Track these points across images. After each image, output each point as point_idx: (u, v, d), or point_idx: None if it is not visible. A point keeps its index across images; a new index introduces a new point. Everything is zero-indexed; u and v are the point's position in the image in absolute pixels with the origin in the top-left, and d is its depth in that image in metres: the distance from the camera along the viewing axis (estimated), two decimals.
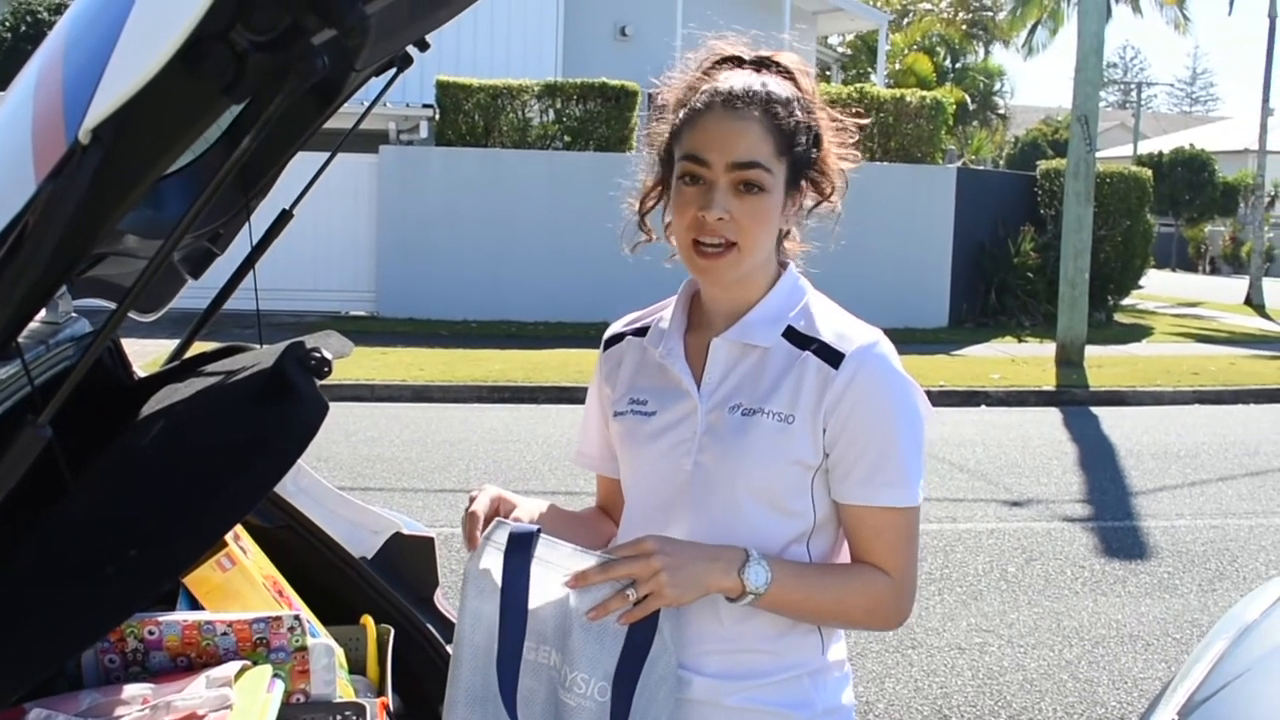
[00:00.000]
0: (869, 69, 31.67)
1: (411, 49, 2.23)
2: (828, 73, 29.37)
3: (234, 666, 1.87)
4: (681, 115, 1.74)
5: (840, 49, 31.03)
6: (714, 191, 1.68)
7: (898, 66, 32.92)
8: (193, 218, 1.28)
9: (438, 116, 17.25)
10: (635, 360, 1.91)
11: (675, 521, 1.76)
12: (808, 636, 1.79)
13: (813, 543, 1.78)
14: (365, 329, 15.29)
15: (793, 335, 1.77)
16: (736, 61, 1.78)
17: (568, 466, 8.49)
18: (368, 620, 2.42)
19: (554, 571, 1.66)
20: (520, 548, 1.67)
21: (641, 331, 1.93)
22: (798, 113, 1.72)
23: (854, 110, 1.85)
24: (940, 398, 12.37)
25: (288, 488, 2.51)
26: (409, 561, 2.59)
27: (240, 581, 2.11)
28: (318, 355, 1.68)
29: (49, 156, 1.15)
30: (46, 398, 1.39)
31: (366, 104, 2.39)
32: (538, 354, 13.69)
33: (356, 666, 2.42)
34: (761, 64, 1.77)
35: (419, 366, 12.67)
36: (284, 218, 2.33)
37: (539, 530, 1.68)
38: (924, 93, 18.84)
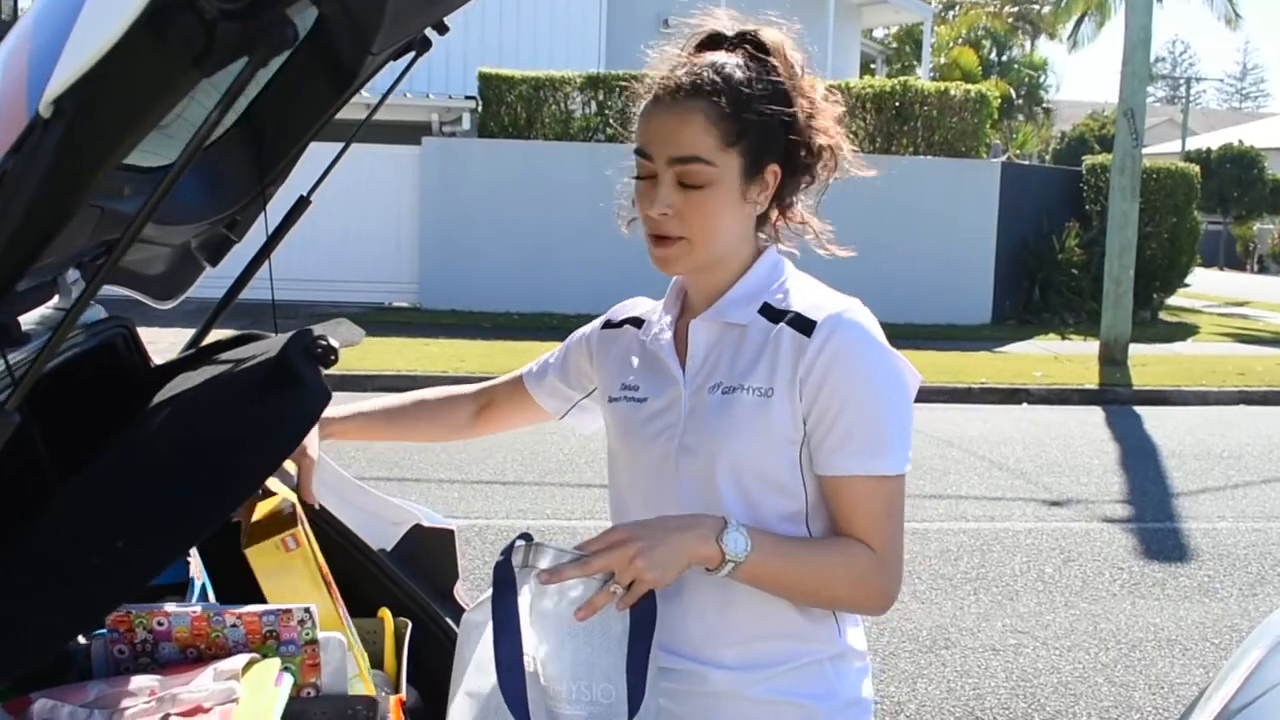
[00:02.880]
0: (914, 62, 31.45)
1: (430, 33, 2.18)
2: (872, 66, 29.17)
3: (242, 659, 1.84)
4: (640, 104, 1.70)
5: (885, 42, 30.81)
6: (658, 187, 1.66)
7: (942, 60, 32.64)
8: (163, 192, 1.23)
9: (480, 108, 17.30)
10: (627, 348, 1.92)
11: (667, 508, 1.73)
12: (822, 619, 1.75)
13: (812, 522, 1.73)
14: (408, 320, 15.38)
15: (768, 311, 1.73)
16: (717, 40, 1.72)
17: (604, 459, 8.45)
18: (385, 613, 2.38)
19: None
20: (503, 560, 1.63)
21: (638, 322, 1.94)
22: (758, 96, 1.65)
23: (849, 97, 1.80)
24: (981, 395, 12.28)
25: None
26: (429, 554, 2.55)
27: (299, 565, 2.02)
28: (323, 344, 1.65)
29: (11, 131, 1.12)
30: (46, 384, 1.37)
31: (408, 93, 2.34)
32: None
33: (374, 660, 2.39)
34: (742, 41, 1.71)
35: (460, 358, 12.68)
36: (301, 204, 2.30)
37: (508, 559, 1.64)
38: (968, 86, 18.65)
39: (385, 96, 2.33)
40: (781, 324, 1.70)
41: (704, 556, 1.61)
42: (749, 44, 1.70)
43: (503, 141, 16.86)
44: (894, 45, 33.50)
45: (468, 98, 17.85)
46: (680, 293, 1.87)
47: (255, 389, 1.62)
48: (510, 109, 16.97)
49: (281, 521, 1.99)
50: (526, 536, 1.64)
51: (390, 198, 16.82)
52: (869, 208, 17.09)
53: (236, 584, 2.15)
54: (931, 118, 17.58)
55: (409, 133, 17.15)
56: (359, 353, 13.38)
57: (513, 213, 16.57)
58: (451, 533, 2.63)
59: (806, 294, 1.74)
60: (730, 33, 1.71)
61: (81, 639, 2.01)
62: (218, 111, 1.19)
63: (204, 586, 2.09)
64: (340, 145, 2.30)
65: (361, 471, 7.87)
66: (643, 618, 1.63)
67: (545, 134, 16.91)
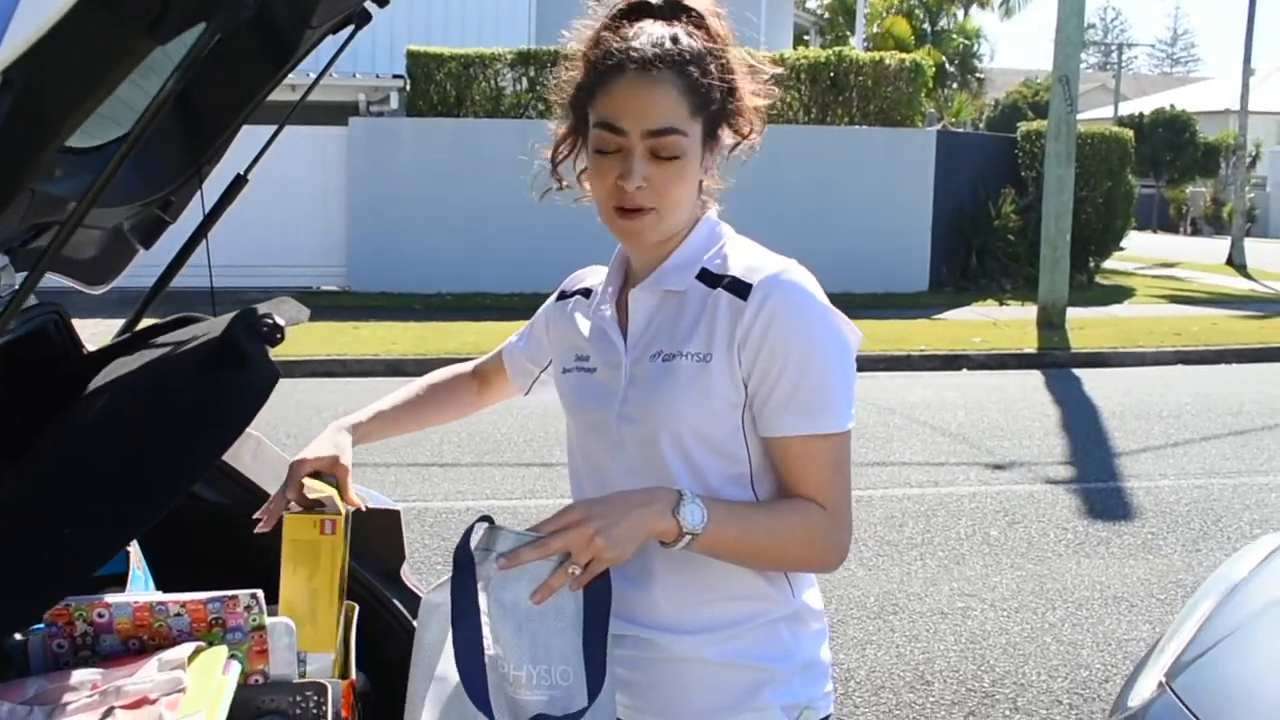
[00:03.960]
0: (847, 32, 31.50)
1: (371, 5, 2.14)
2: (806, 37, 29.20)
3: (188, 648, 1.80)
4: (592, 75, 1.67)
5: (819, 12, 30.85)
6: (631, 160, 1.64)
7: (876, 29, 32.72)
8: (110, 173, 1.19)
9: (408, 87, 17.08)
10: (578, 319, 1.90)
11: (615, 477, 1.73)
12: (775, 578, 1.75)
13: (758, 485, 1.72)
14: (337, 304, 15.13)
15: (706, 276, 1.72)
16: (644, 8, 1.68)
17: (544, 437, 8.42)
18: (348, 603, 2.34)
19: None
20: (463, 543, 1.60)
21: (589, 292, 1.93)
22: (711, 66, 1.65)
23: (784, 68, 1.80)
24: (921, 361, 12.37)
25: (246, 462, 2.43)
26: (374, 536, 2.50)
27: (326, 554, 1.94)
28: (269, 322, 1.61)
29: None
30: None
31: (334, 73, 2.29)
32: (512, 325, 13.24)
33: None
34: (674, 10, 1.68)
35: (392, 340, 12.57)
36: (238, 183, 2.24)
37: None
38: (903, 55, 18.73)
39: (326, 69, 2.28)
40: (719, 289, 1.70)
41: (661, 531, 1.59)
42: (683, 13, 1.68)
43: (432, 120, 16.68)
44: (827, 16, 33.53)
45: (395, 76, 17.60)
46: (623, 262, 1.85)
47: (199, 370, 1.58)
48: (439, 87, 16.78)
49: (325, 510, 1.92)
50: (487, 519, 1.61)
51: (317, 180, 16.54)
52: (805, 178, 17.17)
53: (181, 575, 2.10)
54: (866, 88, 17.63)
55: (336, 113, 16.86)
56: (288, 338, 13.16)
57: (443, 192, 16.39)
58: (397, 514, 2.59)
59: (743, 257, 1.73)
60: (657, 1, 1.68)
61: (17, 634, 1.96)
62: (173, 81, 1.14)
63: (144, 578, 2.04)
64: (271, 126, 2.24)
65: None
66: (598, 597, 1.61)
67: (476, 111, 16.74)
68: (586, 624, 1.60)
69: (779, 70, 1.77)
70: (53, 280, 2.24)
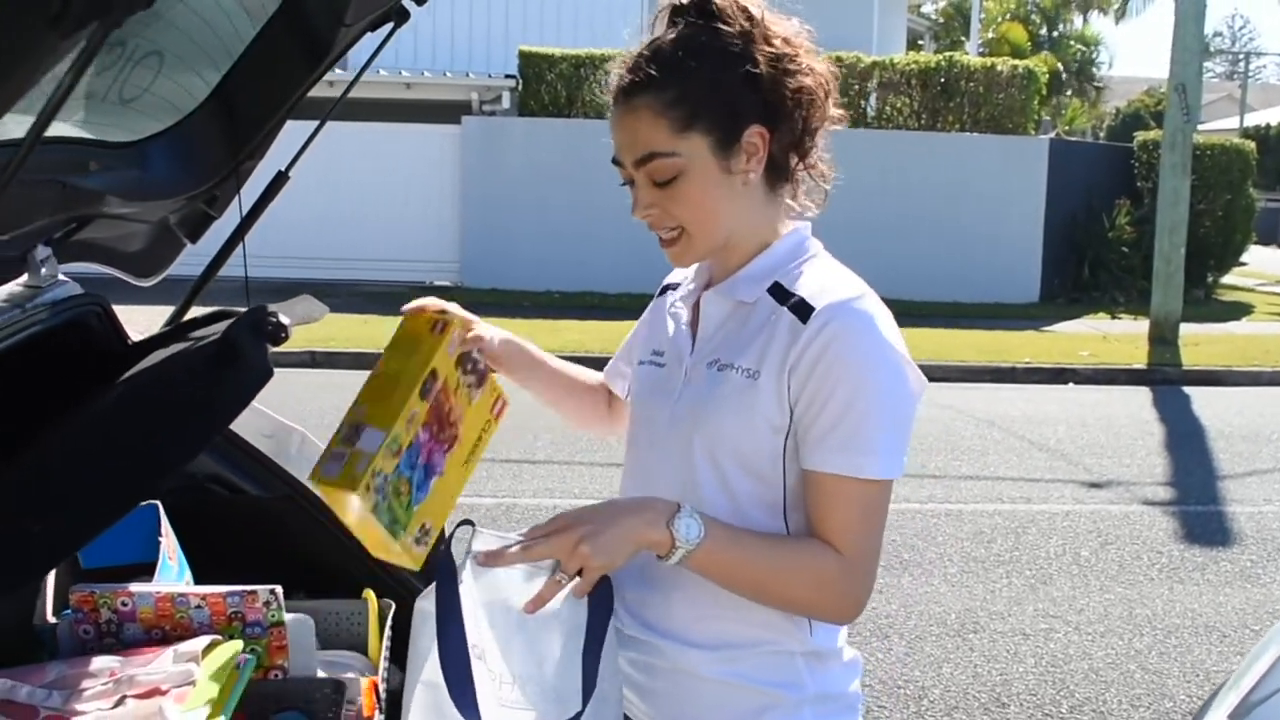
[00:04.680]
0: (962, 38, 31.04)
1: (409, 3, 2.13)
2: (920, 42, 28.84)
3: (203, 641, 1.81)
4: None
5: (934, 17, 30.42)
6: (637, 190, 1.63)
7: (991, 35, 32.16)
8: (25, 153, 1.18)
9: (520, 87, 17.24)
10: (665, 313, 1.85)
11: (654, 480, 1.69)
12: (793, 615, 1.66)
13: (791, 515, 1.64)
14: (448, 299, 15.25)
15: (777, 291, 1.65)
16: (678, 10, 1.62)
17: None
18: (369, 594, 2.35)
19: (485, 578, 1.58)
20: (446, 568, 1.58)
21: (678, 287, 1.88)
22: (703, 67, 1.57)
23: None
24: (1025, 374, 12.12)
25: (289, 455, 2.45)
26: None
27: (425, 348, 1.74)
28: (273, 320, 1.61)
29: None
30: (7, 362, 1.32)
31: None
32: (617, 325, 13.54)
33: (357, 640, 2.36)
34: (685, 13, 1.60)
35: None
36: (279, 180, 2.25)
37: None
38: (1015, 62, 18.37)
39: (363, 70, 2.28)
40: (784, 307, 1.62)
41: (653, 541, 1.54)
42: (693, 12, 1.61)
43: (543, 120, 16.81)
44: (941, 21, 33.06)
45: (507, 76, 17.82)
46: (706, 265, 1.79)
47: (200, 366, 1.58)
48: (550, 87, 16.92)
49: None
50: (468, 523, 1.59)
51: (431, 177, 16.86)
52: (914, 185, 16.95)
53: (220, 567, 2.12)
54: (978, 94, 17.34)
55: (449, 112, 17.17)
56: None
57: (553, 191, 16.52)
58: (464, 520, 2.59)
59: (817, 278, 1.64)
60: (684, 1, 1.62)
61: (51, 618, 2.00)
62: (70, 77, 1.13)
63: (176, 568, 2.06)
64: (372, 123, 2.25)
65: None
66: (601, 608, 1.57)
67: (586, 112, 16.83)
68: (587, 635, 1.57)
69: (800, 48, 1.64)
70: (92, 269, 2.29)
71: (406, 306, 1.79)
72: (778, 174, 1.67)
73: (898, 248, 16.77)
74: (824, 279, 1.64)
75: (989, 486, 7.71)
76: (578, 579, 1.53)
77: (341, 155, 16.61)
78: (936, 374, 11.68)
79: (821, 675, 1.70)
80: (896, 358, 1.58)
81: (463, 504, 1.74)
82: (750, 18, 1.59)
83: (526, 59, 16.92)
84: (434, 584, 1.59)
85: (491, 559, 1.52)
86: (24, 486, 1.42)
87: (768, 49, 1.59)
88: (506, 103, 18.00)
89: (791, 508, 1.64)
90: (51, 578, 1.96)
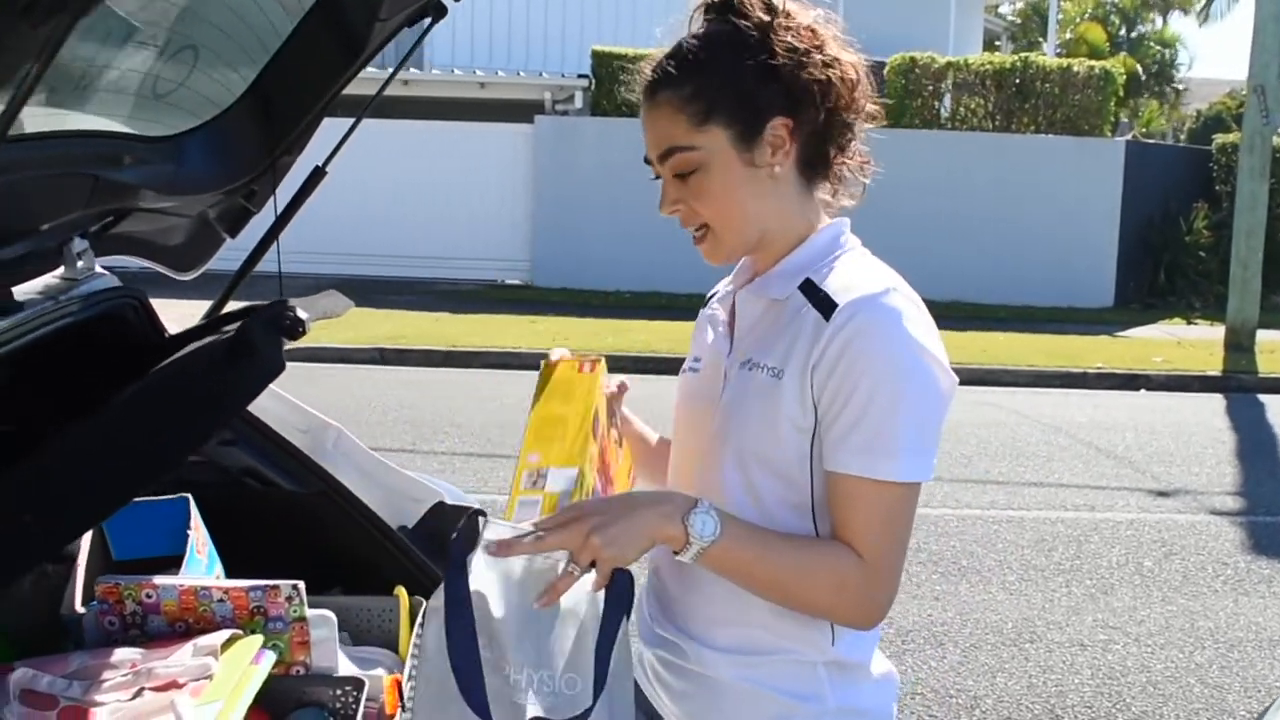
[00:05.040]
0: (1039, 38, 30.61)
1: None
2: (996, 43, 28.50)
3: (223, 635, 1.82)
4: None
5: (1011, 18, 30.00)
6: (663, 186, 1.63)
7: (1069, 35, 31.67)
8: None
9: (593, 86, 17.28)
10: (708, 321, 1.83)
11: (697, 483, 1.66)
12: (816, 623, 1.62)
13: (819, 518, 1.60)
14: (518, 298, 15.52)
15: (808, 288, 1.61)
16: (701, 8, 1.62)
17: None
18: (401, 591, 2.35)
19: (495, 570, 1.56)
20: (457, 561, 1.56)
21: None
22: (718, 59, 1.55)
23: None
24: (1096, 380, 11.91)
25: (326, 451, 2.46)
26: (450, 532, 2.50)
27: (582, 389, 1.75)
28: (291, 315, 1.60)
29: None
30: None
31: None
32: (685, 325, 13.46)
33: (389, 637, 2.36)
34: (720, 5, 1.59)
35: (565, 336, 12.69)
36: (317, 175, 2.25)
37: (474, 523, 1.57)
38: (1092, 62, 18.06)
39: (400, 66, 2.28)
40: (811, 303, 1.59)
41: (668, 536, 1.51)
42: (714, 9, 1.60)
43: (615, 120, 16.81)
44: (1019, 22, 32.60)
45: (580, 76, 17.87)
46: (750, 262, 1.76)
47: (215, 359, 1.59)
48: (623, 87, 16.94)
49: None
50: (480, 513, 1.57)
51: (504, 176, 16.98)
52: (988, 186, 16.76)
53: (253, 561, 2.13)
54: (1053, 95, 17.09)
55: (522, 111, 17.26)
56: (467, 329, 13.52)
57: (624, 191, 16.47)
58: (481, 513, 2.59)
59: (847, 274, 1.61)
60: None
61: (80, 608, 2.02)
62: (35, 69, 1.13)
63: (205, 561, 2.07)
64: (457, 123, 2.25)
65: (408, 445, 7.92)
66: (620, 602, 1.55)
67: None
68: (603, 628, 1.55)
69: (826, 38, 1.61)
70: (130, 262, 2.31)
71: (551, 355, 1.80)
72: (812, 167, 1.64)
73: (969, 250, 16.59)
74: (852, 275, 1.60)
75: (1052, 493, 7.58)
76: (593, 572, 1.51)
77: (415, 154, 16.76)
78: (1004, 379, 11.55)
79: (845, 688, 1.65)
80: (924, 355, 1.53)
81: (483, 499, 1.73)
82: (770, 9, 1.57)
83: (599, 59, 16.95)
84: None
85: (503, 549, 1.50)
86: (23, 483, 1.43)
87: (788, 39, 1.56)
88: (579, 102, 18.05)
89: (820, 511, 1.60)
90: (82, 569, 1.98)
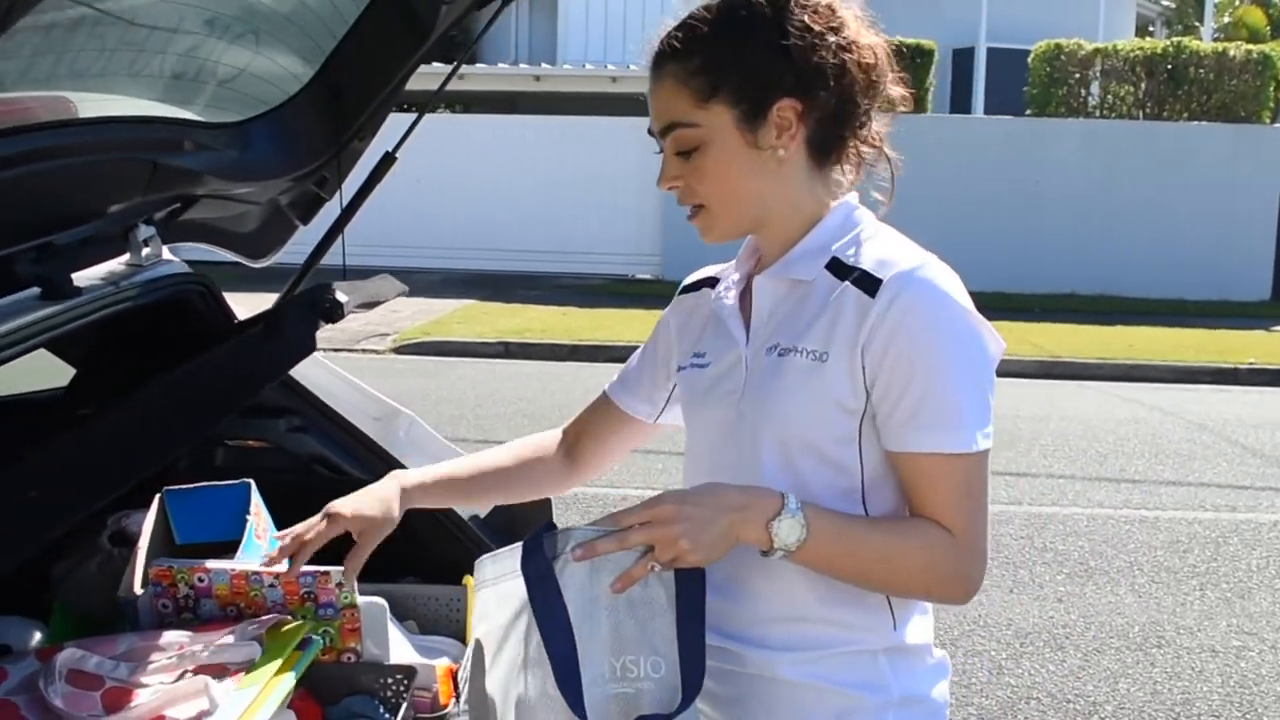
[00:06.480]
0: (1196, 23, 29.48)
1: None
2: (1150, 28, 27.55)
3: (269, 621, 1.82)
4: None
5: (1165, 3, 28.94)
6: (664, 160, 1.59)
7: (1227, 19, 30.43)
8: None
9: None
10: (701, 311, 1.79)
11: (726, 476, 1.58)
12: (876, 609, 1.58)
13: (870, 501, 1.55)
14: (648, 292, 15.53)
15: (836, 266, 1.56)
16: None
17: None
18: (469, 581, 2.33)
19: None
20: (533, 553, 1.51)
21: (714, 282, 1.80)
22: (729, 36, 1.50)
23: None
24: (1248, 376, 11.44)
25: (397, 439, 2.45)
26: (522, 522, 2.48)
27: None
28: (330, 299, 1.59)
29: None
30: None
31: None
32: None
33: (456, 627, 2.35)
34: None
35: None
36: (386, 161, 2.24)
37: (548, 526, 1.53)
38: (1249, 47, 17.34)
39: (469, 50, 2.25)
40: (847, 282, 1.54)
41: (754, 541, 1.48)
42: None
43: None
44: (1173, 6, 31.42)
45: None
46: (754, 248, 1.73)
47: (250, 339, 1.58)
48: None
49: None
50: (550, 527, 1.53)
51: (636, 170, 17.03)
52: (1138, 176, 16.22)
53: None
54: (1208, 81, 16.46)
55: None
56: (593, 323, 13.56)
57: None
58: (548, 501, 2.55)
59: (879, 249, 1.56)
60: None
61: (138, 590, 2.03)
62: None
63: (263, 545, 2.07)
64: (578, 117, 2.24)
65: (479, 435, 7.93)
66: (692, 580, 1.50)
67: None
68: (682, 625, 1.50)
69: (846, 19, 1.55)
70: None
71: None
72: (823, 151, 1.58)
73: (1118, 242, 16.09)
74: (884, 250, 1.55)
75: (1192, 493, 7.27)
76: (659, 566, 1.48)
77: (547, 148, 16.91)
78: (1150, 374, 11.17)
79: (906, 675, 1.60)
80: (972, 321, 1.51)
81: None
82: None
83: None
84: (476, 614, 1.54)
85: (589, 550, 1.47)
86: (38, 463, 1.44)
87: (802, 18, 1.50)
88: None
89: (870, 493, 1.56)
90: (143, 553, 2.00)
